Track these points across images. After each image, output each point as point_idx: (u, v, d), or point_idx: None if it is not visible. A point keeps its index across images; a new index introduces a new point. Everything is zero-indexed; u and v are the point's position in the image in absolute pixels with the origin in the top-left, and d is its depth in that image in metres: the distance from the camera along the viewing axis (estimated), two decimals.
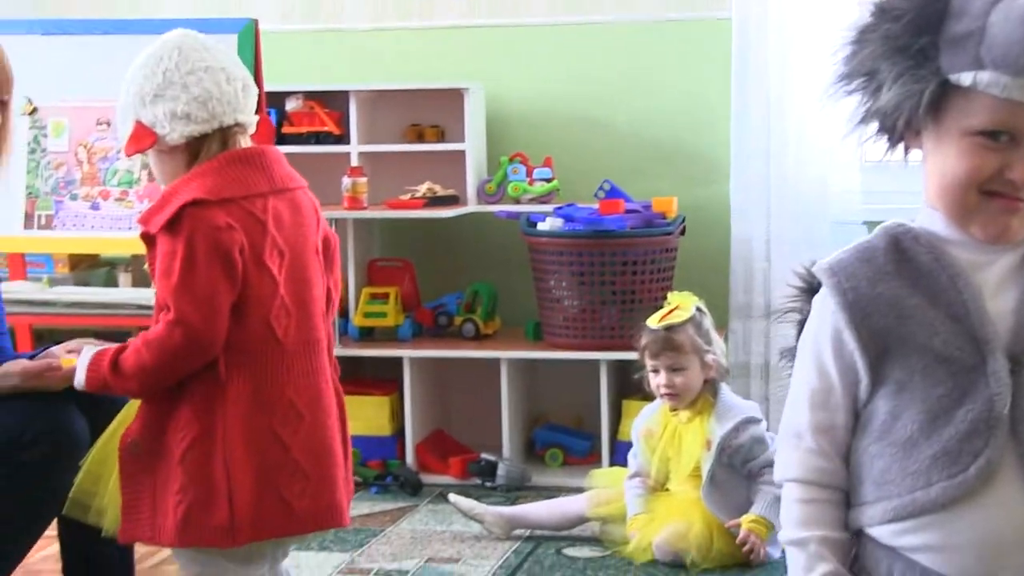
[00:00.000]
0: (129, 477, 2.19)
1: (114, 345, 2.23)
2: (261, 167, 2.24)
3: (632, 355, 4.00)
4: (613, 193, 4.20)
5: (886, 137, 1.54)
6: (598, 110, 4.49)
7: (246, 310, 2.18)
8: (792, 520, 1.54)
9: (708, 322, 3.50)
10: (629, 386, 4.21)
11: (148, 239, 2.21)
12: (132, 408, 2.25)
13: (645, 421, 3.54)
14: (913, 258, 1.50)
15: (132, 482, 2.19)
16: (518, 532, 3.60)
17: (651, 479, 3.47)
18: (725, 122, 4.32)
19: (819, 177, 4.28)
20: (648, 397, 4.11)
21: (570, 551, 3.46)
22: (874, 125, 1.54)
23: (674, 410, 3.45)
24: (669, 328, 3.43)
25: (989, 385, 1.45)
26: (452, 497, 3.65)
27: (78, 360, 2.23)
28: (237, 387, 2.17)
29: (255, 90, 2.28)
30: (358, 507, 3.83)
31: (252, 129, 2.28)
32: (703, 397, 3.42)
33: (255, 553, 2.25)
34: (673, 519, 3.34)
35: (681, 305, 3.48)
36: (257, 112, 2.32)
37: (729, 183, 4.34)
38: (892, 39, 1.47)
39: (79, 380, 2.22)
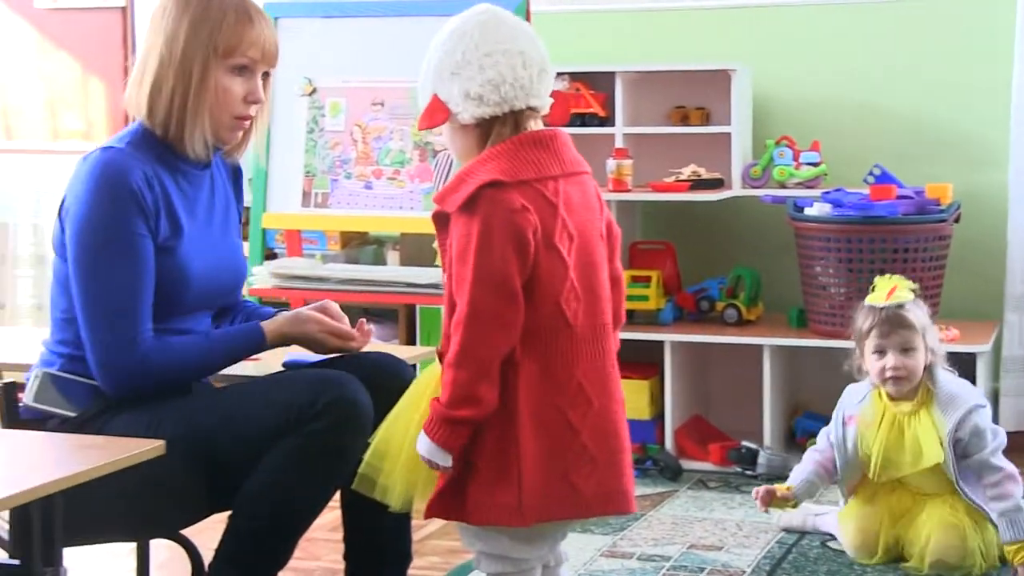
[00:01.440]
0: None
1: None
2: (553, 150, 2.23)
3: None
4: (884, 178, 4.08)
5: None
6: (868, 92, 4.37)
7: (537, 292, 2.18)
8: None
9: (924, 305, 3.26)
10: None
11: (442, 219, 2.23)
12: (420, 386, 2.29)
13: (859, 407, 3.29)
14: None
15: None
16: (781, 523, 3.54)
17: (867, 469, 3.24)
18: (1005, 104, 4.15)
19: None
20: None
21: (836, 544, 3.37)
22: None
23: (894, 399, 3.22)
24: (900, 306, 3.20)
25: None
26: (783, 522, 3.48)
27: (418, 445, 2.21)
28: (528, 369, 2.18)
29: (551, 74, 2.27)
30: None
31: (545, 112, 2.28)
32: (923, 385, 3.20)
33: (538, 534, 2.26)
34: (939, 527, 3.17)
35: (898, 285, 3.24)
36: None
37: (1008, 168, 4.16)
38: None
39: (429, 449, 2.18)
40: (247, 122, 2.51)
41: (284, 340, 2.51)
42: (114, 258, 2.36)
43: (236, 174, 2.66)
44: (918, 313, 3.21)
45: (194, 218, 2.48)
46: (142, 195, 2.37)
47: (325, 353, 2.56)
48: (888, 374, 3.19)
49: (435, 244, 2.33)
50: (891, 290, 3.24)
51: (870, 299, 3.27)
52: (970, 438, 3.13)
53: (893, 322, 3.20)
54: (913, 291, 3.26)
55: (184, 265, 2.44)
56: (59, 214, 2.44)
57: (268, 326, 2.50)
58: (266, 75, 2.52)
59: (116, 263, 2.36)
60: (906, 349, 3.18)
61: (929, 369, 3.20)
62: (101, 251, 2.36)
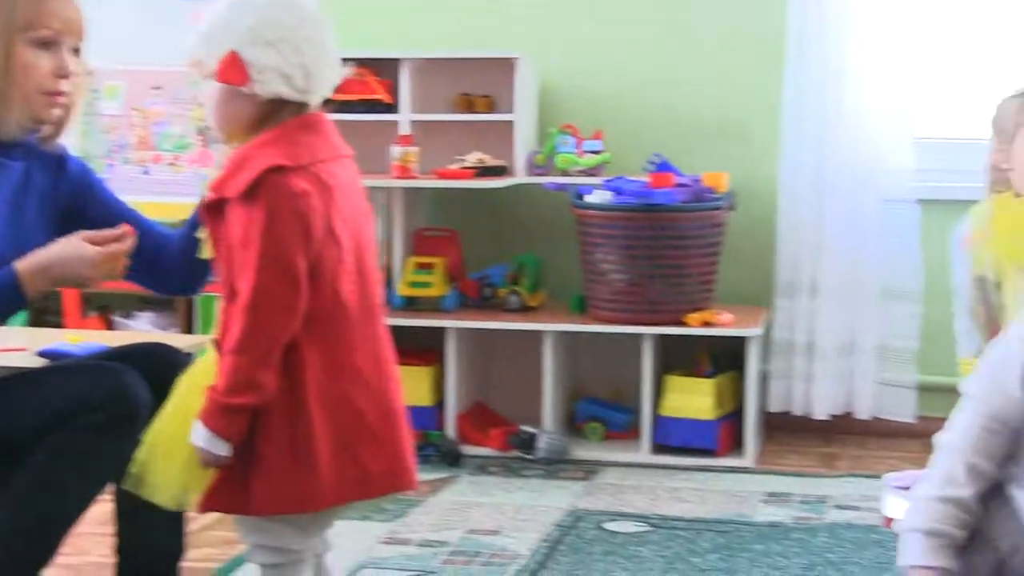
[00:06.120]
0: None
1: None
2: (324, 133, 2.24)
3: (676, 330, 4.02)
4: (663, 167, 4.18)
5: None
6: (650, 83, 4.47)
7: (317, 277, 2.17)
8: (963, 436, 1.52)
9: None
10: (672, 361, 4.22)
11: (217, 205, 2.20)
12: (194, 379, 2.25)
13: (965, 226, 2.96)
14: None
15: None
16: (560, 505, 3.61)
17: (982, 307, 2.91)
18: (778, 96, 4.29)
19: (872, 154, 4.25)
20: (691, 372, 4.12)
21: (611, 526, 3.46)
22: None
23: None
24: None
25: None
26: None
27: (193, 436, 2.16)
28: (311, 354, 2.17)
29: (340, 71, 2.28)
30: None
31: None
32: None
33: (316, 523, 2.26)
34: None
35: None
36: None
37: (779, 159, 4.31)
38: None
39: (206, 439, 2.13)
40: (61, 98, 2.45)
41: (41, 268, 2.36)
42: None
43: (59, 164, 2.55)
44: None
45: None
46: None
47: (89, 281, 2.42)
48: None
49: (201, 233, 2.28)
50: None
51: (1017, 91, 2.94)
52: None
53: None
54: None
55: None
56: None
57: (20, 261, 2.37)
58: (78, 51, 2.47)
59: None
60: None
61: None
62: None
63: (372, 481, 2.24)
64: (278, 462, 2.17)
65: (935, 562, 1.48)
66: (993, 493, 1.50)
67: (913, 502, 1.50)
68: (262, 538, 2.26)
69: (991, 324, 2.90)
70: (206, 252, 2.30)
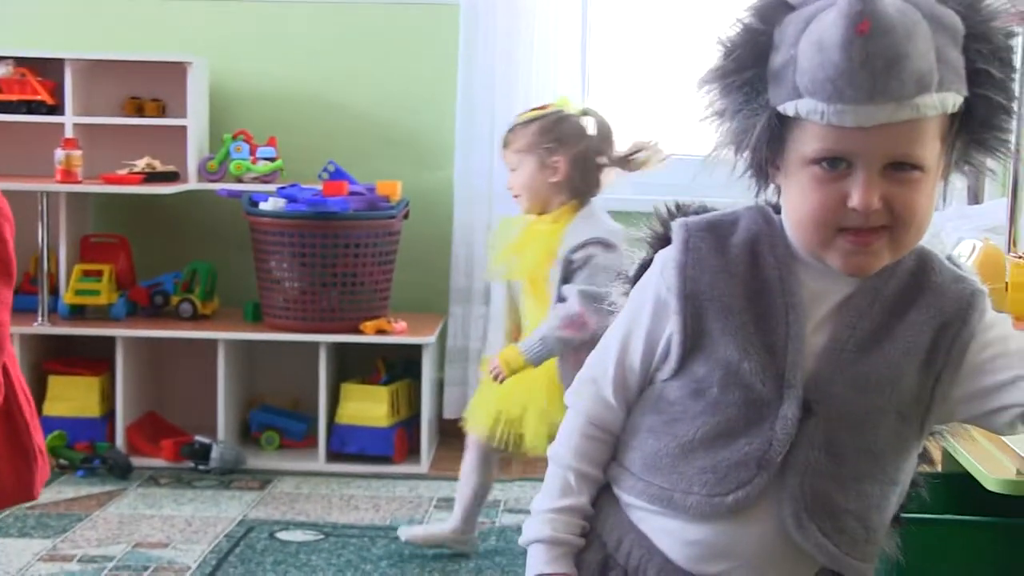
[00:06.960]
0: None
1: None
2: None
3: (351, 338, 4.02)
4: (337, 175, 4.18)
5: (751, 174, 1.46)
6: (325, 91, 4.46)
7: None
8: (568, 446, 1.55)
9: (580, 122, 3.06)
10: (348, 369, 4.22)
11: None
12: None
13: (501, 226, 3.23)
14: (761, 271, 1.47)
15: None
16: (232, 515, 3.56)
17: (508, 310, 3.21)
18: (451, 107, 4.35)
19: None
20: (367, 380, 4.14)
21: (283, 535, 3.43)
22: (738, 162, 1.45)
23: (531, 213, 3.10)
24: (512, 128, 3.11)
25: (775, 427, 1.44)
26: (404, 534, 3.28)
27: None
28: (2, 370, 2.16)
29: None
30: (63, 491, 3.71)
31: None
32: (567, 205, 3.05)
33: None
34: (506, 402, 3.05)
35: (558, 104, 3.12)
36: None
37: (453, 168, 4.37)
38: (725, 76, 1.43)
39: None
40: None
41: None
42: None
43: None
44: (532, 131, 3.05)
45: None
46: None
47: None
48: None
49: None
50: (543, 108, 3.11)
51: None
52: (590, 272, 2.95)
53: (503, 140, 3.13)
54: (584, 113, 3.07)
55: None
56: None
57: None
58: None
59: None
60: (512, 169, 3.09)
61: (573, 190, 3.05)
62: None
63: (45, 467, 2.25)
64: (8, 454, 2.15)
65: (557, 569, 1.52)
66: (603, 493, 1.56)
67: (533, 515, 1.54)
68: None
69: (514, 326, 3.21)
70: None
